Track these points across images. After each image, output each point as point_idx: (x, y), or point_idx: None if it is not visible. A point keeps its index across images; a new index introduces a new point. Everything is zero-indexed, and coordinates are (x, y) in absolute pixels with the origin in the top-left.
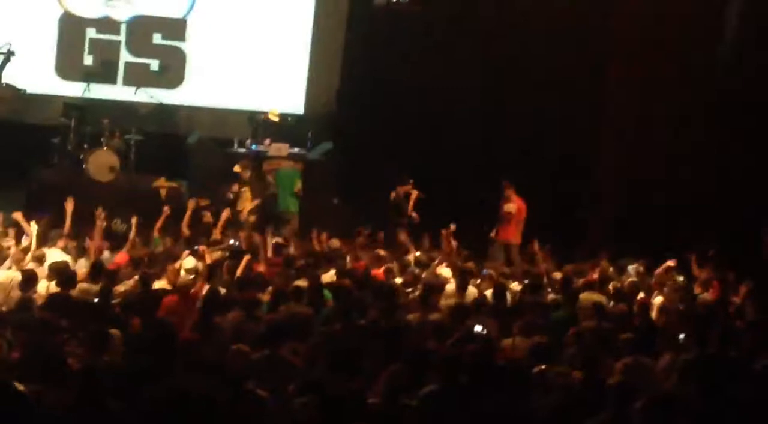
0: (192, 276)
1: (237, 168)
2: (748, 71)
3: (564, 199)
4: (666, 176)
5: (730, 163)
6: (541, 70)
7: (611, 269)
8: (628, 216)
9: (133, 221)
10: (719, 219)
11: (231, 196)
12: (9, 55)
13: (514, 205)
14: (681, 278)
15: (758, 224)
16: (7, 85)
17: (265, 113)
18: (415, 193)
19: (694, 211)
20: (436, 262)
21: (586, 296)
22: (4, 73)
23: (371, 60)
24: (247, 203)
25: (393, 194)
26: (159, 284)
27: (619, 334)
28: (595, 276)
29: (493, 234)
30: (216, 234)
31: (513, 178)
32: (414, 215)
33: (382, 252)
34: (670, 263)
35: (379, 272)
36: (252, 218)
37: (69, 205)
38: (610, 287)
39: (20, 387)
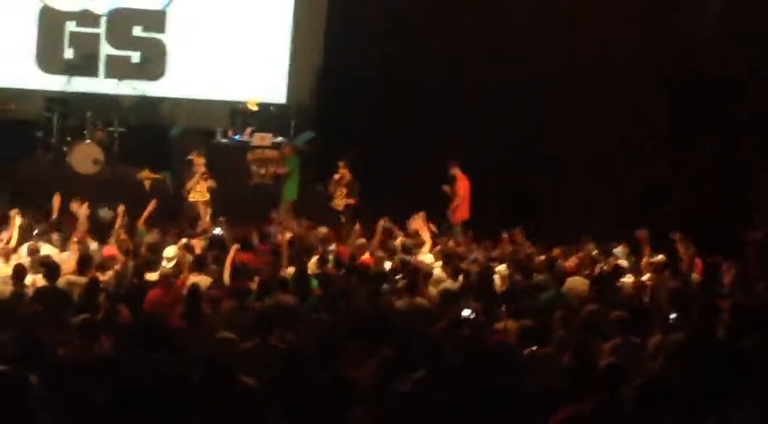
0: (171, 264)
1: (192, 156)
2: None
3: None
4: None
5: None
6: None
7: (596, 252)
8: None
9: (120, 209)
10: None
11: (188, 186)
12: None
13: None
14: (660, 257)
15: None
16: None
17: (245, 103)
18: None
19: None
20: (421, 248)
21: (573, 279)
22: None
23: (352, 48)
24: (200, 193)
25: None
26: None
27: (608, 316)
28: (580, 258)
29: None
30: (205, 225)
31: (467, 165)
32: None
33: (364, 239)
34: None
35: (366, 258)
36: (208, 209)
37: (56, 200)
38: (597, 268)
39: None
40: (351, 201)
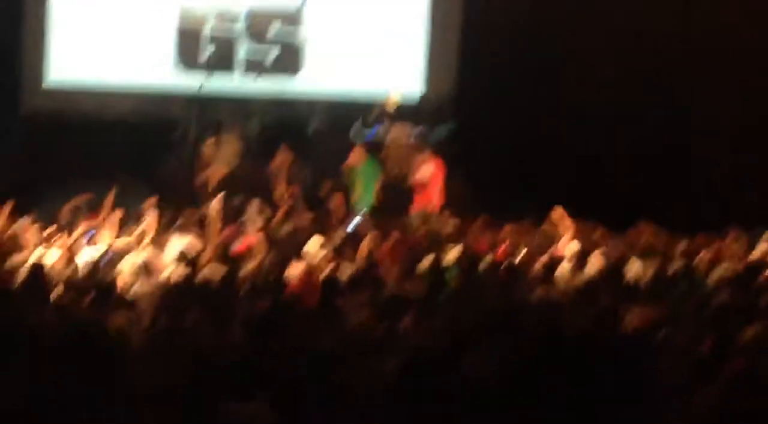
0: (315, 256)
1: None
2: None
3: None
4: None
5: None
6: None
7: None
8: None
9: (253, 203)
10: None
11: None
12: None
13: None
14: None
15: None
16: None
17: (382, 98)
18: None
19: None
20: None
21: (717, 267)
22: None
23: (490, 39)
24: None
25: None
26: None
27: (752, 306)
28: (726, 247)
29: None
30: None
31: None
32: None
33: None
34: None
35: (500, 250)
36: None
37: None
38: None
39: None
40: (294, 189)
